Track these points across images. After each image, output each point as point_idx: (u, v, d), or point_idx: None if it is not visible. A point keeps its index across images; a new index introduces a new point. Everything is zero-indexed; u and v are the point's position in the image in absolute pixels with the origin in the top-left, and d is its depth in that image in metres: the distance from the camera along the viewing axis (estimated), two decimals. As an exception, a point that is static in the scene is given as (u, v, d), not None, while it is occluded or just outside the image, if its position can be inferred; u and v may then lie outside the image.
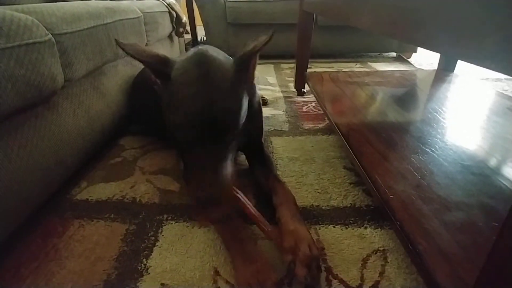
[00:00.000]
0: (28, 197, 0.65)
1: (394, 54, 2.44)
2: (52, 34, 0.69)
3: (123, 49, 0.55)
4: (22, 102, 0.60)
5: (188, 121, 0.48)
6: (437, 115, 0.91)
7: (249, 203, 0.59)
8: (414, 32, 0.47)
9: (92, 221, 0.70)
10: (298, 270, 0.50)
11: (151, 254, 0.61)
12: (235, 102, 0.52)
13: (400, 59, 2.32)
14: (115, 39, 0.57)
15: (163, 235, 0.65)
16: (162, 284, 0.54)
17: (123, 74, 1.09)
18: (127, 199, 0.77)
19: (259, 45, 0.51)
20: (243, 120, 0.55)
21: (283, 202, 0.65)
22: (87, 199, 0.78)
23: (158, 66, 0.55)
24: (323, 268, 0.56)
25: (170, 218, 0.70)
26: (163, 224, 0.68)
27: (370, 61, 2.23)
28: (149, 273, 0.57)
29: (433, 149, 0.73)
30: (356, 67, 2.06)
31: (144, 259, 0.60)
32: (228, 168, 0.51)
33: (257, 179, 0.79)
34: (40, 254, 0.62)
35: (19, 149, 0.62)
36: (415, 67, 2.13)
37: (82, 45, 0.82)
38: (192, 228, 0.67)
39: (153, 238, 0.65)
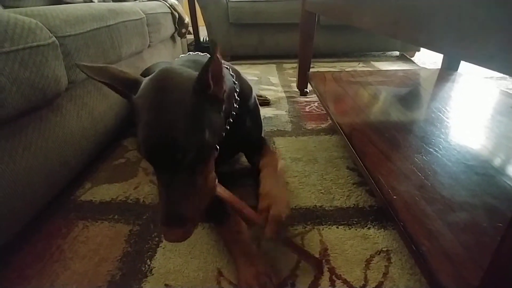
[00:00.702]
0: (32, 198, 0.66)
1: (397, 53, 2.43)
2: (55, 37, 0.70)
3: (83, 71, 0.53)
4: (26, 105, 0.61)
5: (144, 147, 0.48)
6: (440, 114, 0.91)
7: (230, 194, 0.58)
8: (417, 32, 0.47)
9: (96, 222, 0.71)
10: (266, 229, 0.52)
11: (155, 255, 0.61)
12: (192, 124, 0.48)
13: (403, 58, 2.31)
14: (75, 63, 0.56)
15: (166, 236, 0.65)
16: (166, 285, 0.55)
17: (126, 75, 1.10)
18: (131, 200, 0.78)
19: (207, 63, 0.47)
20: (214, 136, 0.53)
21: (266, 164, 0.66)
22: (91, 200, 0.78)
23: (123, 88, 0.54)
24: (326, 269, 0.56)
25: (173, 219, 0.70)
26: (166, 225, 0.68)
27: (373, 60, 2.22)
28: (153, 274, 0.57)
29: (436, 149, 0.72)
30: (359, 67, 2.06)
31: (148, 260, 0.60)
32: (194, 188, 0.49)
33: (252, 163, 0.79)
34: (45, 255, 0.62)
35: (24, 151, 0.63)
36: (419, 66, 2.11)
37: (86, 47, 0.82)
38: (196, 228, 0.67)
39: (156, 239, 0.65)
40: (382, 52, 2.47)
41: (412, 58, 2.29)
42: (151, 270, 0.58)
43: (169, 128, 0.47)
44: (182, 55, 0.76)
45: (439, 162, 0.67)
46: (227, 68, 0.71)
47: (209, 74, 0.48)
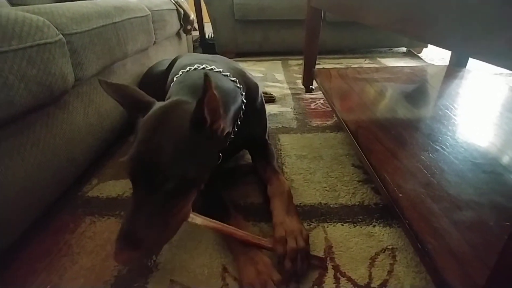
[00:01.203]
0: (41, 194, 0.67)
1: (404, 49, 2.40)
2: (62, 34, 0.70)
3: (102, 86, 0.56)
4: (34, 102, 0.61)
5: (129, 163, 0.49)
6: (447, 111, 0.90)
7: (233, 228, 0.58)
8: (424, 29, 0.46)
9: (103, 217, 0.72)
10: (286, 262, 0.53)
11: (161, 251, 0.62)
12: (179, 156, 0.48)
13: (410, 54, 2.28)
14: (98, 79, 0.58)
15: (172, 232, 0.66)
16: (171, 281, 0.55)
17: (131, 72, 1.11)
18: (137, 196, 0.78)
19: (201, 97, 0.47)
20: (201, 173, 0.53)
21: (275, 193, 0.67)
22: (98, 196, 0.79)
23: (133, 110, 0.56)
24: (330, 267, 0.56)
25: (178, 215, 0.71)
26: (172, 221, 0.69)
27: (380, 57, 2.20)
28: (158, 270, 0.58)
29: (443, 146, 0.72)
30: (365, 63, 2.04)
31: (154, 256, 0.60)
32: (162, 217, 0.48)
33: (257, 170, 0.80)
34: (53, 249, 0.63)
35: (32, 147, 0.64)
36: (426, 62, 2.09)
37: (92, 45, 0.83)
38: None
39: (162, 235, 0.66)
40: (388, 49, 2.45)
41: (420, 55, 2.27)
42: (157, 265, 0.59)
43: (156, 153, 0.48)
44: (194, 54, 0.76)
45: (446, 160, 0.67)
46: (231, 79, 0.69)
47: (204, 109, 0.48)
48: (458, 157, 0.67)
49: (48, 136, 0.69)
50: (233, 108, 0.65)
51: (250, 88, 0.76)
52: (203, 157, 0.53)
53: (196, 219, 0.56)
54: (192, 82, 0.63)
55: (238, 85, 0.70)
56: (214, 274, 0.56)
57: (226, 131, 0.59)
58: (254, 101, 0.77)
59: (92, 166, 0.90)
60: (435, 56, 2.24)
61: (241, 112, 0.70)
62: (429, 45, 2.28)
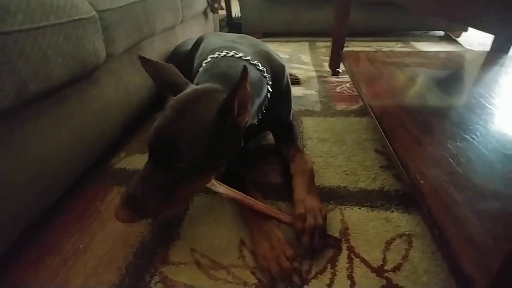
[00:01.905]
0: (74, 164, 0.72)
1: (441, 33, 2.25)
2: (96, 11, 0.73)
3: (143, 67, 0.58)
4: (69, 76, 0.65)
5: (150, 134, 0.51)
6: (482, 100, 0.85)
7: (253, 199, 0.60)
8: (463, 10, 0.44)
9: (130, 188, 0.76)
10: (303, 238, 0.54)
11: (182, 222, 0.65)
12: (199, 141, 0.50)
13: (448, 38, 2.14)
14: (138, 55, 0.59)
15: (193, 205, 0.69)
16: (192, 249, 0.59)
17: (159, 50, 1.13)
18: (161, 170, 0.82)
19: (235, 89, 0.48)
20: (217, 160, 0.54)
21: (298, 171, 0.67)
22: (125, 168, 0.84)
23: (169, 89, 0.58)
24: (345, 247, 0.57)
25: (200, 190, 0.74)
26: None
27: (413, 41, 2.08)
28: (180, 239, 0.61)
29: (473, 136, 0.68)
30: (397, 47, 1.94)
31: (176, 226, 0.64)
32: (166, 190, 0.50)
33: (281, 151, 0.80)
34: (84, 215, 0.69)
35: (67, 120, 0.68)
36: (464, 47, 1.96)
37: (122, 22, 0.85)
38: (221, 200, 0.70)
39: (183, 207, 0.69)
40: (424, 32, 2.31)
41: (458, 39, 2.12)
42: (178, 234, 0.62)
43: (177, 132, 0.50)
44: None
45: (475, 150, 0.64)
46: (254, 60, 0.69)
47: (235, 101, 0.49)
48: (488, 147, 0.64)
49: (81, 109, 0.73)
50: (257, 101, 0.65)
51: (277, 70, 0.75)
52: (222, 145, 0.54)
53: (219, 187, 0.58)
54: (222, 71, 0.63)
55: (266, 74, 0.69)
56: (232, 246, 0.59)
57: (249, 123, 0.59)
58: (280, 83, 0.76)
59: (120, 140, 0.94)
60: (475, 41, 2.09)
61: (266, 100, 0.69)
62: (469, 29, 2.12)
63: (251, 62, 0.68)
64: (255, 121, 0.66)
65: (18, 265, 0.58)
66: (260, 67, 0.68)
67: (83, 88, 0.74)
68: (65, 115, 0.68)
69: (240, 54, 0.68)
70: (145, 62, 0.58)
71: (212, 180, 0.58)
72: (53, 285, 0.54)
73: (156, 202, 0.50)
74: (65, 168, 0.69)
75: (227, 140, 0.54)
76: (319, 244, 0.55)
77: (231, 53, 0.69)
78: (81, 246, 0.61)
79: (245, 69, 0.46)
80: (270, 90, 0.70)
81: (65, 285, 0.54)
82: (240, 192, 0.60)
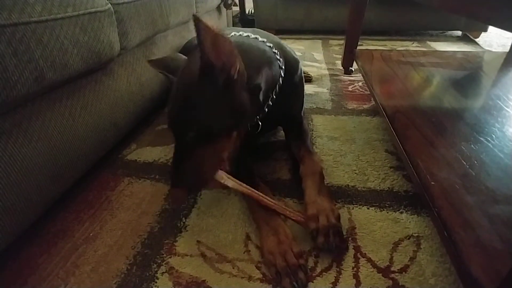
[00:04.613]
0: (87, 153, 0.73)
1: (459, 33, 2.20)
2: (111, 4, 0.74)
3: (154, 68, 0.67)
4: (84, 67, 0.66)
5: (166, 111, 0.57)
6: (499, 102, 0.83)
7: (262, 194, 0.61)
8: (485, 6, 0.42)
9: (140, 179, 0.77)
10: (318, 239, 0.54)
11: (190, 214, 0.66)
12: (192, 106, 0.52)
13: (466, 38, 2.09)
14: (148, 60, 0.69)
15: (201, 198, 0.70)
16: (198, 241, 0.59)
17: (172, 44, 1.14)
18: (171, 163, 0.83)
19: (198, 41, 0.45)
20: (223, 117, 0.54)
21: (308, 173, 0.67)
22: (136, 159, 0.85)
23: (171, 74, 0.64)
24: (351, 247, 0.57)
25: (208, 184, 0.74)
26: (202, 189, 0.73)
27: (430, 40, 2.04)
28: (187, 230, 0.62)
29: (488, 138, 0.67)
30: (413, 46, 1.90)
31: (183, 218, 0.65)
32: (196, 159, 0.53)
33: (291, 149, 0.80)
34: (95, 203, 0.70)
35: (81, 110, 0.70)
36: (483, 48, 1.91)
37: (137, 15, 0.86)
38: (228, 195, 0.71)
39: (192, 200, 0.70)
40: (441, 32, 2.25)
41: (477, 40, 2.06)
42: (186, 226, 0.63)
43: (174, 106, 0.55)
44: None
45: (489, 152, 0.62)
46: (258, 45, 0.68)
47: (205, 50, 0.47)
48: (504, 151, 0.63)
49: (95, 100, 0.74)
50: (266, 70, 0.63)
51: (290, 61, 0.74)
52: (224, 104, 0.53)
53: (228, 181, 0.59)
54: (239, 43, 0.63)
55: (275, 50, 0.69)
56: (237, 240, 0.59)
57: (256, 84, 0.59)
58: (293, 75, 0.76)
59: (132, 131, 0.96)
60: (494, 41, 2.03)
61: (280, 80, 0.68)
62: (488, 29, 2.06)
63: (267, 44, 0.69)
64: (267, 98, 0.66)
65: (32, 247, 0.60)
66: (269, 44, 0.69)
67: (98, 79, 0.76)
68: (80, 105, 0.69)
69: (247, 33, 0.70)
70: (152, 63, 0.66)
71: (222, 174, 0.58)
72: (64, 269, 0.55)
73: (193, 174, 0.54)
74: (79, 156, 0.70)
75: (228, 98, 0.53)
76: (335, 242, 0.54)
77: (240, 33, 0.70)
78: (91, 234, 0.62)
79: (193, 15, 0.44)
80: (283, 67, 0.69)
81: (75, 271, 0.55)
82: (249, 187, 0.60)
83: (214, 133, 0.54)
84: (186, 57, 0.65)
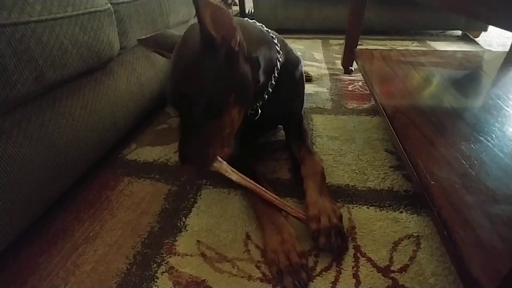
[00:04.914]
0: (86, 152, 0.73)
1: (459, 32, 2.20)
2: (110, 3, 0.74)
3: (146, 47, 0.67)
4: (84, 66, 0.66)
5: (166, 91, 0.56)
6: (499, 101, 0.83)
7: (264, 189, 0.61)
8: (484, 7, 0.42)
9: (140, 179, 0.77)
10: (320, 239, 0.54)
11: (190, 214, 0.66)
12: (195, 78, 0.51)
13: (466, 38, 2.08)
14: (137, 39, 0.67)
15: (201, 198, 0.70)
16: (198, 241, 0.59)
17: (172, 44, 1.14)
18: (171, 162, 0.83)
19: (198, 15, 0.46)
20: (226, 88, 0.54)
21: (309, 173, 0.67)
22: (136, 159, 0.85)
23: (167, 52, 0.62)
24: (351, 246, 0.57)
25: (208, 183, 0.75)
26: (202, 188, 0.73)
27: (430, 40, 2.04)
28: (187, 230, 0.62)
29: (488, 138, 0.67)
30: (413, 46, 1.90)
31: (183, 217, 0.65)
32: (203, 133, 0.54)
33: (291, 150, 0.80)
34: (95, 203, 0.70)
35: (81, 109, 0.70)
36: (483, 48, 1.90)
37: (137, 15, 0.86)
38: (228, 194, 0.71)
39: (192, 199, 0.70)
40: (441, 31, 2.25)
41: (476, 39, 2.06)
42: (185, 226, 0.63)
43: (175, 80, 0.53)
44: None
45: (489, 152, 0.62)
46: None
47: (205, 22, 0.47)
48: (504, 150, 0.63)
49: (95, 100, 0.74)
50: (264, 50, 0.63)
51: (291, 57, 0.75)
52: (229, 78, 0.53)
53: (233, 174, 0.59)
54: (243, 25, 0.63)
55: (273, 36, 0.69)
56: (237, 239, 0.59)
57: (255, 56, 0.60)
58: (294, 71, 0.76)
59: (132, 131, 0.96)
60: (495, 41, 2.03)
61: (278, 64, 0.68)
62: (488, 29, 2.06)
63: (265, 29, 0.70)
64: (268, 88, 0.67)
65: (32, 247, 0.60)
66: (267, 29, 0.70)
67: (98, 78, 0.76)
68: (80, 105, 0.69)
69: (246, 18, 0.70)
70: (143, 42, 0.64)
71: (226, 167, 0.58)
72: (64, 269, 0.55)
73: (202, 148, 0.54)
74: (79, 156, 0.70)
75: (230, 70, 0.54)
76: (337, 242, 0.54)
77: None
78: (91, 234, 0.62)
79: None
80: (281, 52, 0.69)
81: (75, 271, 0.55)
82: (252, 181, 0.60)
83: (219, 106, 0.53)
84: (177, 33, 0.64)
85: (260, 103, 0.68)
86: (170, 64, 0.56)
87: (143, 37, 0.65)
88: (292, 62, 0.75)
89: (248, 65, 0.57)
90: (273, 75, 0.67)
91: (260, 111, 0.68)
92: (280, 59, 0.69)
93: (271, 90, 0.67)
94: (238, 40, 0.52)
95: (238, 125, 0.59)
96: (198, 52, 0.51)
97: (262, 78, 0.63)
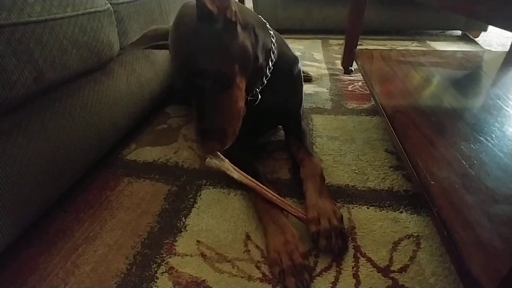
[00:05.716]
0: (87, 153, 0.73)
1: (459, 32, 2.20)
2: (110, 4, 0.74)
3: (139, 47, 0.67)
4: (84, 67, 0.66)
5: (175, 78, 0.56)
6: (499, 102, 0.83)
7: (265, 188, 0.61)
8: (484, 7, 0.42)
9: (140, 179, 0.77)
10: (320, 241, 0.54)
11: (190, 214, 0.66)
12: (200, 53, 0.52)
13: (466, 38, 2.08)
14: (128, 45, 0.69)
15: (201, 198, 0.70)
16: (198, 241, 0.59)
17: (172, 44, 1.14)
18: (171, 163, 0.83)
19: None
20: (231, 59, 0.55)
21: (308, 175, 0.67)
22: (136, 159, 0.85)
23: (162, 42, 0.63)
24: (351, 246, 0.57)
25: (208, 183, 0.75)
26: (201, 188, 0.73)
27: (430, 40, 2.04)
28: (186, 230, 0.62)
29: (488, 138, 0.67)
30: (412, 46, 1.90)
31: (183, 218, 0.65)
32: (216, 107, 0.54)
33: (290, 150, 0.80)
34: (95, 203, 0.70)
35: (81, 110, 0.70)
36: (482, 48, 1.90)
37: (137, 15, 0.86)
38: (228, 194, 0.71)
39: (192, 200, 0.70)
40: (441, 31, 2.25)
41: (476, 39, 2.06)
42: (185, 226, 0.63)
43: (179, 56, 0.54)
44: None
45: (489, 152, 0.62)
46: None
47: None
48: (504, 150, 0.63)
49: (95, 100, 0.74)
50: (259, 29, 0.64)
51: (287, 51, 0.75)
52: (231, 48, 0.54)
53: (234, 172, 0.59)
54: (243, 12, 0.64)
55: (268, 26, 0.70)
56: (237, 239, 0.59)
57: (251, 25, 0.61)
58: (291, 67, 0.76)
59: (132, 131, 0.96)
60: (494, 41, 2.03)
61: (273, 47, 0.68)
62: (488, 29, 2.06)
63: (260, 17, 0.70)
64: (266, 71, 0.67)
65: (32, 247, 0.60)
66: (268, 26, 0.70)
67: (97, 79, 0.76)
68: (79, 105, 0.69)
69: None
70: (135, 44, 0.65)
71: (228, 165, 0.58)
72: (64, 269, 0.55)
73: (219, 124, 0.55)
74: (79, 156, 0.70)
75: (231, 40, 0.55)
76: (337, 244, 0.54)
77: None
78: (91, 234, 0.62)
79: None
80: (275, 42, 0.70)
81: (75, 271, 0.55)
82: (254, 180, 0.61)
83: (227, 76, 0.54)
84: (164, 26, 0.65)
85: (260, 88, 0.69)
86: (170, 45, 0.57)
87: (133, 41, 0.67)
88: (289, 56, 0.76)
89: (246, 35, 0.58)
90: (270, 59, 0.68)
91: (260, 96, 0.68)
92: (274, 50, 0.69)
93: (269, 75, 0.68)
94: (234, 9, 0.54)
95: (243, 104, 0.59)
96: (196, 26, 0.52)
97: (260, 57, 0.64)
